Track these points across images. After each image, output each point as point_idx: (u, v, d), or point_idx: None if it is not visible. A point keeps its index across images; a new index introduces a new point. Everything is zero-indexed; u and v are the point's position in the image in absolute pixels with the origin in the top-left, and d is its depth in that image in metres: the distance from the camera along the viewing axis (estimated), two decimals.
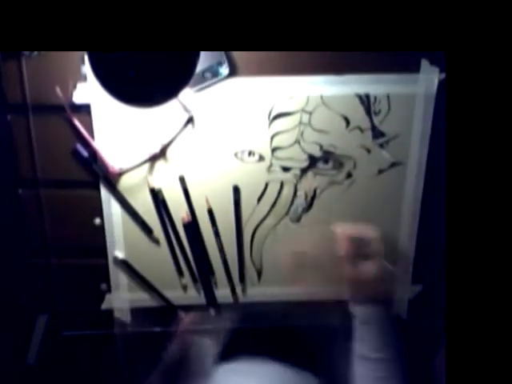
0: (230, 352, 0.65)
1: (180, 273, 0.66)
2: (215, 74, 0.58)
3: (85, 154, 0.61)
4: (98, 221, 0.64)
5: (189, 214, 0.64)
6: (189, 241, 0.65)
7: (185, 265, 0.66)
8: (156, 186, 0.63)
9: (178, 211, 0.64)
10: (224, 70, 0.58)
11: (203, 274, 0.67)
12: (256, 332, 0.68)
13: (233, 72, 0.58)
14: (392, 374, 0.55)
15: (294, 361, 0.65)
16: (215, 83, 0.59)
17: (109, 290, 0.67)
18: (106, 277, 0.67)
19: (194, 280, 0.67)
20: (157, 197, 0.63)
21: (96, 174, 0.62)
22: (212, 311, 0.68)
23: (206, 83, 0.59)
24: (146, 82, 0.52)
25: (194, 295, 0.68)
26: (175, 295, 0.68)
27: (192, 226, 0.64)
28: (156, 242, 0.65)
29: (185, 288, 0.67)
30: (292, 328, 0.68)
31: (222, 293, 0.68)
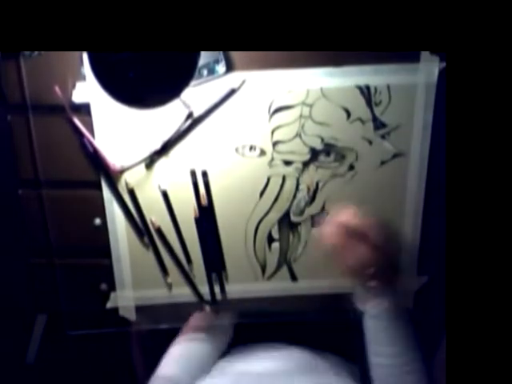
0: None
1: (165, 272, 0.69)
2: (212, 71, 0.60)
3: (91, 148, 0.63)
4: (98, 221, 0.67)
5: (197, 209, 0.66)
6: (198, 236, 0.67)
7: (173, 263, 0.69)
8: (159, 183, 0.65)
9: (180, 208, 0.66)
10: (221, 68, 0.60)
11: (209, 269, 0.69)
12: (264, 328, 0.70)
13: (229, 70, 0.61)
14: (410, 369, 0.57)
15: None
16: (211, 80, 0.61)
17: (109, 289, 0.69)
18: (107, 276, 0.69)
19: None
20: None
21: (99, 171, 0.64)
22: (209, 308, 0.71)
23: (202, 80, 0.61)
24: (147, 83, 0.54)
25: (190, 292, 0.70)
26: (179, 292, 0.70)
27: (200, 220, 0.67)
28: (146, 246, 0.68)
29: (170, 287, 0.70)
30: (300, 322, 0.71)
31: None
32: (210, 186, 0.65)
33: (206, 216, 0.66)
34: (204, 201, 0.65)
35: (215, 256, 0.68)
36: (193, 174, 0.65)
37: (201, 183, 0.65)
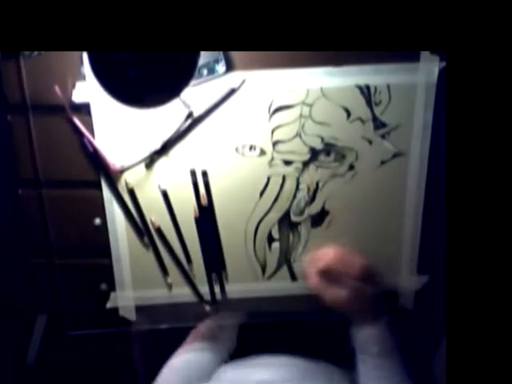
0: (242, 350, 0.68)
1: (165, 272, 0.69)
2: (212, 71, 0.61)
3: (91, 148, 0.63)
4: (97, 221, 0.67)
5: (197, 209, 0.66)
6: (198, 236, 0.68)
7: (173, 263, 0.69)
8: (159, 183, 0.65)
9: (180, 208, 0.66)
10: (221, 67, 0.60)
11: (209, 269, 0.69)
12: (265, 328, 0.71)
13: (229, 70, 0.61)
14: (394, 373, 0.59)
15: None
16: (211, 80, 0.61)
17: (109, 289, 0.70)
18: (107, 276, 0.69)
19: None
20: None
21: (99, 171, 0.64)
22: (209, 308, 0.71)
23: (202, 80, 0.61)
24: (146, 82, 0.54)
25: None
26: (179, 292, 0.70)
27: (200, 220, 0.67)
28: (146, 246, 0.68)
29: (170, 287, 0.70)
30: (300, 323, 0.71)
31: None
32: (210, 186, 0.65)
33: (206, 216, 0.66)
34: (204, 201, 0.66)
35: (215, 256, 0.68)
36: (193, 173, 0.65)
37: (201, 183, 0.65)
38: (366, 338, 0.60)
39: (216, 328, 0.72)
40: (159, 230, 0.67)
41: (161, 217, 0.67)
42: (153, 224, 0.66)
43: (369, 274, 0.61)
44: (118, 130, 0.63)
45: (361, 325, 0.61)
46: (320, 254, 0.64)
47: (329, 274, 0.62)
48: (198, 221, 0.66)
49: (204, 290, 0.70)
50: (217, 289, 0.70)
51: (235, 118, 0.63)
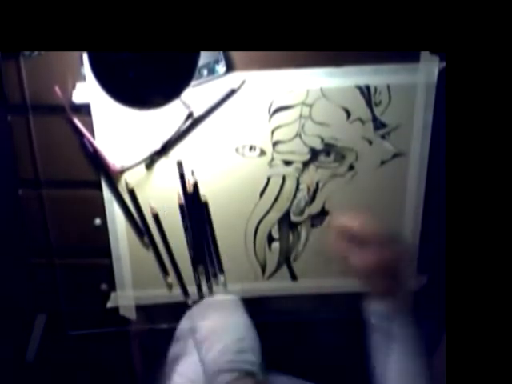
0: None
1: (165, 272, 0.69)
2: (212, 71, 0.61)
3: (91, 148, 0.63)
4: (98, 221, 0.67)
5: (182, 196, 0.66)
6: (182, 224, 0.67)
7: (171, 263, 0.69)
8: (158, 183, 0.65)
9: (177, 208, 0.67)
10: (221, 68, 0.60)
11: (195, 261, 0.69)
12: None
13: (229, 70, 0.61)
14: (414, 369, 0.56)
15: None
16: (211, 80, 0.61)
17: (109, 289, 0.70)
18: (107, 276, 0.69)
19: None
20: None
21: (99, 171, 0.64)
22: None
23: (202, 80, 0.61)
24: (147, 83, 0.54)
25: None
26: (179, 292, 0.71)
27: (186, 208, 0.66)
28: (146, 246, 0.68)
29: (170, 287, 0.70)
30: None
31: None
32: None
33: (191, 204, 0.66)
34: (190, 188, 0.65)
35: (201, 246, 0.68)
36: (179, 165, 0.64)
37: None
38: (383, 310, 0.56)
39: None
40: (156, 217, 0.66)
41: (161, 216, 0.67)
42: (151, 209, 0.66)
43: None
44: (118, 130, 0.63)
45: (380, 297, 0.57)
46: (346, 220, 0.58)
47: (354, 239, 0.56)
48: (182, 208, 0.66)
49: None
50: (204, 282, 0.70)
51: (235, 118, 0.63)
